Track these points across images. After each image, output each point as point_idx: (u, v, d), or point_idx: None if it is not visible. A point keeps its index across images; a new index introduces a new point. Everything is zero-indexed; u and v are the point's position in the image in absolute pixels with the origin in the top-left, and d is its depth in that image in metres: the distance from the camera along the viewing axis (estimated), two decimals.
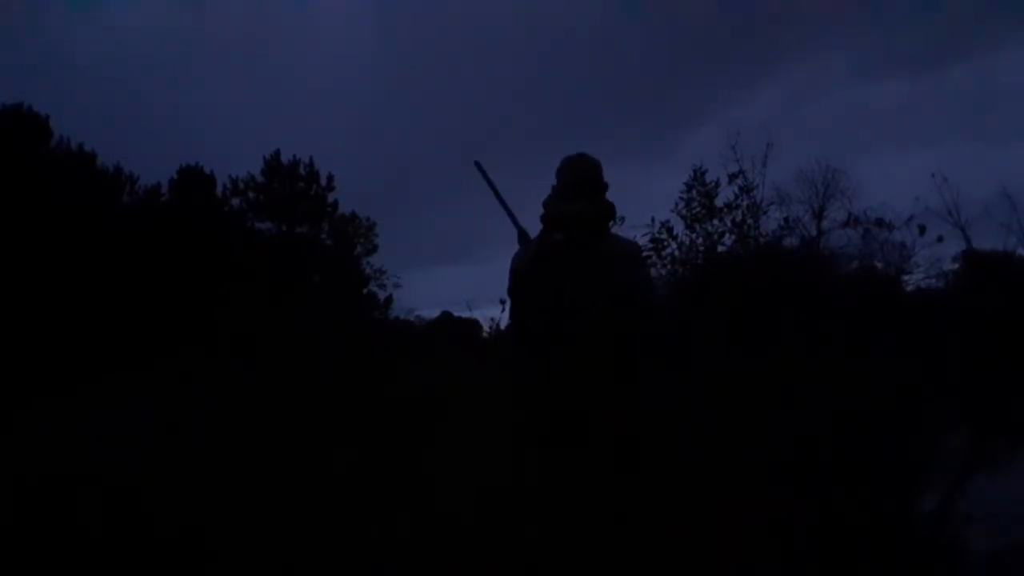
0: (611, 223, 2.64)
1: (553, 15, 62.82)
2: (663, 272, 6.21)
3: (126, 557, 2.77)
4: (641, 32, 61.91)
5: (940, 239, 5.03)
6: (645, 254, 6.11)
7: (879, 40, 53.08)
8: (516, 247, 2.62)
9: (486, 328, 6.33)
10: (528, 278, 2.51)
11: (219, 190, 22.56)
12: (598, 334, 2.35)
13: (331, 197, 24.43)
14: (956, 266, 5.63)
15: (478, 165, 2.73)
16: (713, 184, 6.66)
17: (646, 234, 6.25)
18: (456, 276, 29.26)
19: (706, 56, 55.12)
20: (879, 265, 5.23)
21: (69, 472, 3.34)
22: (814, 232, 8.14)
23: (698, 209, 6.52)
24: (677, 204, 6.68)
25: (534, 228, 2.63)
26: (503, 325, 5.64)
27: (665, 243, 6.33)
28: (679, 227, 6.49)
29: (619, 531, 2.18)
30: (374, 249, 24.74)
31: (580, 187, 2.56)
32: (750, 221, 6.35)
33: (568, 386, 2.32)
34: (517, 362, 2.67)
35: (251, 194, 23.59)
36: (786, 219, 6.79)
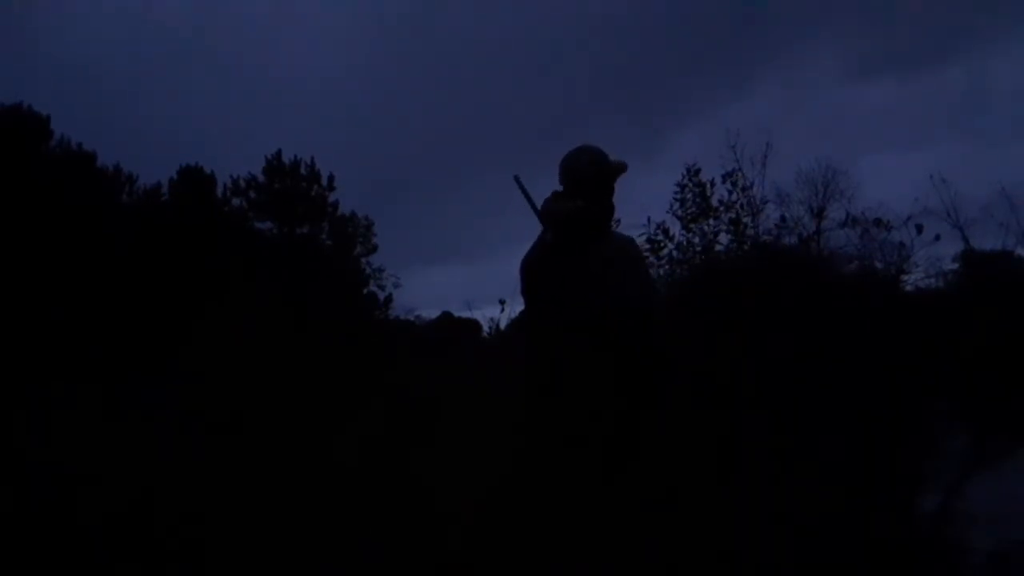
0: (606, 222, 2.52)
1: (548, 15, 62.90)
2: (661, 272, 6.22)
3: (126, 557, 2.77)
4: (632, 32, 61.98)
5: (937, 238, 5.04)
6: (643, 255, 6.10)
7: (871, 41, 53.11)
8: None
9: (486, 328, 6.33)
10: (523, 278, 2.48)
11: (219, 190, 22.59)
12: (583, 344, 2.29)
13: (332, 197, 24.46)
14: (955, 266, 5.64)
15: (517, 180, 2.54)
16: (708, 183, 6.67)
17: (642, 235, 6.27)
18: (456, 276, 29.26)
19: (696, 57, 55.19)
20: (878, 265, 5.24)
21: (68, 472, 3.33)
22: (812, 231, 8.14)
23: (693, 209, 6.53)
24: (672, 204, 6.69)
25: None
26: (503, 325, 5.64)
27: (662, 244, 6.35)
28: (675, 227, 6.51)
29: (616, 533, 2.18)
30: (373, 249, 24.77)
31: (573, 185, 2.48)
32: (747, 220, 6.37)
33: (559, 389, 2.29)
34: (524, 358, 2.64)
35: (252, 194, 23.62)
36: (782, 217, 6.80)
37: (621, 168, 2.55)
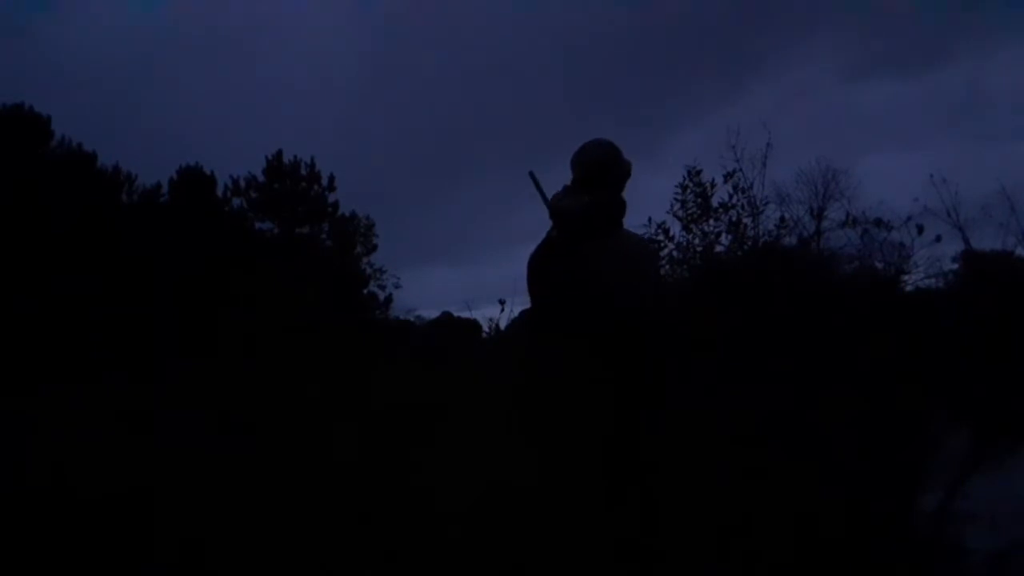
0: (617, 219, 2.48)
1: (548, 16, 62.90)
2: (662, 273, 6.19)
3: (126, 559, 2.77)
4: (632, 33, 62.00)
5: (938, 239, 5.04)
6: None
7: (871, 40, 53.09)
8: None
9: (485, 328, 6.33)
10: (530, 275, 2.43)
11: (220, 190, 22.57)
12: (591, 339, 2.27)
13: (331, 197, 24.44)
14: (955, 266, 5.63)
15: (532, 176, 2.48)
16: (709, 184, 6.62)
17: (643, 235, 6.23)
18: (456, 276, 29.22)
19: (696, 57, 55.19)
20: (879, 265, 5.23)
21: (68, 472, 3.33)
22: (812, 232, 8.12)
23: (693, 209, 6.49)
24: (672, 205, 6.65)
25: None
26: (503, 325, 5.63)
27: (662, 244, 6.32)
28: (675, 228, 6.47)
29: (616, 535, 2.18)
30: (374, 248, 24.74)
31: (585, 179, 2.40)
32: (747, 221, 6.33)
33: (561, 389, 2.27)
34: (526, 356, 2.61)
35: (252, 194, 23.59)
36: (782, 218, 6.77)
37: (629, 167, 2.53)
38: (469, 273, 28.17)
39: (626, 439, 2.30)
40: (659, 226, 6.37)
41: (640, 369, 2.31)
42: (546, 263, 2.39)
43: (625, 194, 2.52)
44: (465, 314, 6.61)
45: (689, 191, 6.62)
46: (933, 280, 5.46)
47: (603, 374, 2.25)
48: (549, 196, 2.47)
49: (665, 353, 2.43)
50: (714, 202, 6.54)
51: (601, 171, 2.42)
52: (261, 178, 23.80)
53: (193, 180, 21.31)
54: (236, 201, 23.25)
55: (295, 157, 24.28)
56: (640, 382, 2.31)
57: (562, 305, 2.34)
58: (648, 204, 6.86)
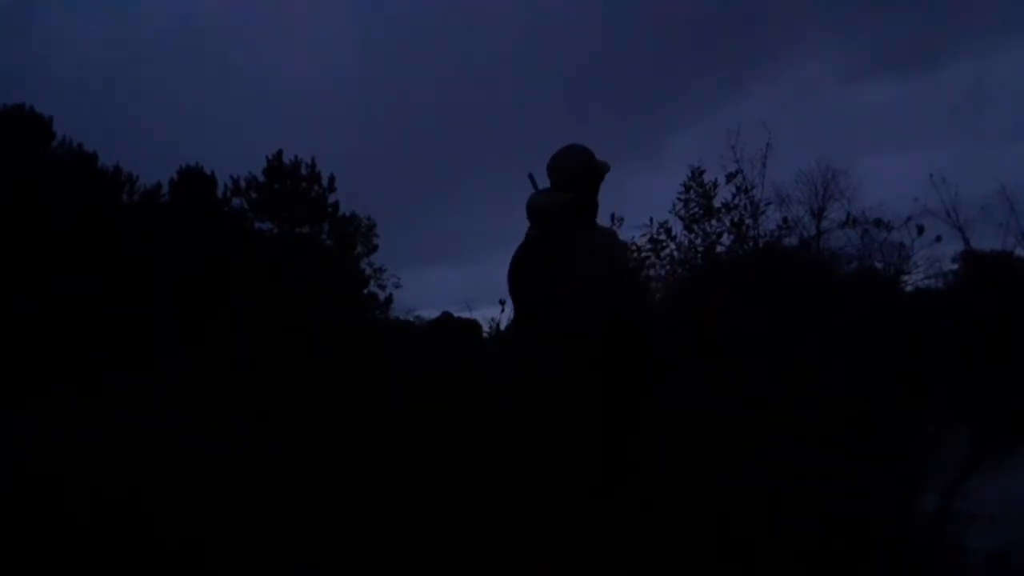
0: (591, 217, 2.62)
1: (547, 16, 63.05)
2: (662, 272, 6.19)
3: (122, 561, 2.77)
4: (632, 32, 62.20)
5: (938, 239, 5.02)
6: (644, 254, 6.09)
7: (871, 41, 53.27)
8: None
9: (486, 328, 6.32)
10: (510, 278, 2.54)
11: (220, 190, 22.63)
12: (570, 329, 2.33)
13: (332, 198, 24.49)
14: (955, 266, 5.63)
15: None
16: (712, 185, 6.63)
17: (644, 234, 6.23)
18: (456, 276, 29.24)
19: (696, 57, 55.36)
20: (878, 265, 5.23)
21: (64, 473, 3.33)
22: (813, 232, 8.12)
23: (696, 210, 6.49)
24: (675, 205, 6.64)
25: None
26: (503, 325, 5.63)
27: (664, 244, 6.32)
28: (677, 227, 6.47)
29: (612, 533, 2.18)
30: (374, 249, 24.81)
31: (561, 184, 2.58)
32: (749, 221, 6.34)
33: (544, 380, 2.31)
34: (514, 355, 2.67)
35: (253, 194, 23.65)
36: (785, 219, 6.77)
37: (606, 168, 2.66)
38: (469, 273, 28.22)
39: (621, 440, 2.31)
40: (661, 225, 6.37)
41: (631, 368, 2.34)
42: (526, 264, 2.49)
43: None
44: (465, 314, 6.60)
45: (692, 191, 6.62)
46: (933, 280, 5.46)
47: (594, 375, 2.28)
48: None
49: (655, 351, 2.47)
50: (716, 203, 6.55)
51: (573, 176, 2.59)
52: (261, 178, 23.86)
53: (193, 180, 21.38)
54: (236, 201, 23.34)
55: (295, 157, 24.36)
56: (632, 382, 2.33)
57: (547, 306, 2.42)
58: (648, 204, 6.87)
